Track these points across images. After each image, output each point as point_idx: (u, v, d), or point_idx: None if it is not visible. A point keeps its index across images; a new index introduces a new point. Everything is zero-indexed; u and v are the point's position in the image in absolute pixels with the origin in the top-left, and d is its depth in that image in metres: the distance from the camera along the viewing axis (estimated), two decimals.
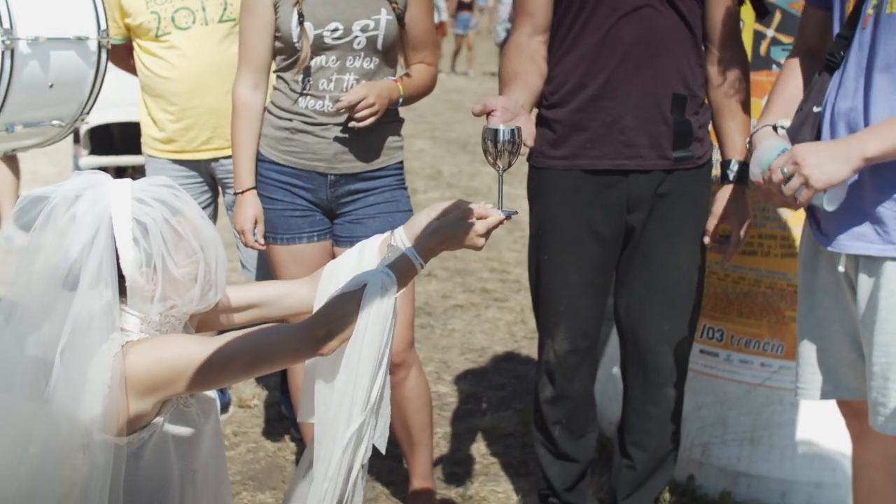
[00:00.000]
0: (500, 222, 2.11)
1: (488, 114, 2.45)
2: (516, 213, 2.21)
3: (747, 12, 3.18)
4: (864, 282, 2.29)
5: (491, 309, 5.51)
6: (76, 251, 1.87)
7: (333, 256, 3.11)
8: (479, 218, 2.08)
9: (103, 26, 3.41)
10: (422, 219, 2.17)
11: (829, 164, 2.17)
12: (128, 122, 5.03)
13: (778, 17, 3.17)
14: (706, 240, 2.84)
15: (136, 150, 5.11)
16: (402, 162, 3.15)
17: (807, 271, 2.50)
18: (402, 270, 2.02)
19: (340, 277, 2.12)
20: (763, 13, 2.98)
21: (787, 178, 2.22)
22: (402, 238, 2.17)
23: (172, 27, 3.55)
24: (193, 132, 3.62)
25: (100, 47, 3.39)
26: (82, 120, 3.34)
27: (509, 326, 5.24)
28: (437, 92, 3.26)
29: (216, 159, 3.66)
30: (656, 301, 2.87)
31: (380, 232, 2.90)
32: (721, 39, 2.83)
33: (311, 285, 2.22)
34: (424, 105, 2.74)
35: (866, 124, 2.25)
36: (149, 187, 1.97)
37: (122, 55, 3.70)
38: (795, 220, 3.23)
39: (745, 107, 2.87)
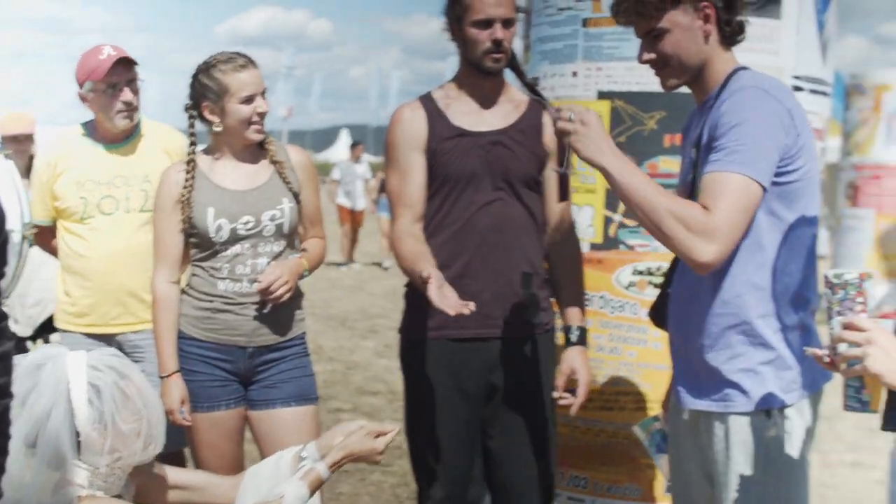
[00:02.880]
0: (397, 433, 2.70)
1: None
2: None
3: (598, 200, 3.72)
4: (703, 433, 2.76)
5: (375, 473, 5.82)
6: (38, 413, 2.22)
7: (247, 420, 3.49)
8: (379, 435, 2.57)
9: (27, 219, 3.81)
10: (330, 436, 2.68)
11: (592, 144, 2.60)
12: None
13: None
14: (555, 394, 3.32)
15: None
16: (305, 332, 3.61)
17: (672, 414, 2.95)
18: (312, 481, 2.54)
19: (260, 483, 2.61)
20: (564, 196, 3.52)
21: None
22: (313, 452, 2.66)
23: (97, 212, 3.94)
24: (105, 307, 3.96)
25: (23, 238, 3.79)
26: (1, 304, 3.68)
27: (393, 489, 5.56)
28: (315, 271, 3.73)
29: (124, 333, 4.01)
30: (521, 450, 3.32)
31: (291, 394, 3.36)
32: (556, 226, 3.41)
33: (234, 484, 2.66)
34: (304, 283, 3.11)
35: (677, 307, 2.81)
36: (101, 356, 2.35)
37: (48, 237, 4.07)
38: (645, 377, 3.70)
39: (580, 281, 3.43)
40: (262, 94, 3.47)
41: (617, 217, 3.73)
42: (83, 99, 3.98)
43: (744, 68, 2.75)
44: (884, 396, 2.25)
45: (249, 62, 3.46)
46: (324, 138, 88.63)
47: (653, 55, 2.75)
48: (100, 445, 2.30)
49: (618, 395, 3.74)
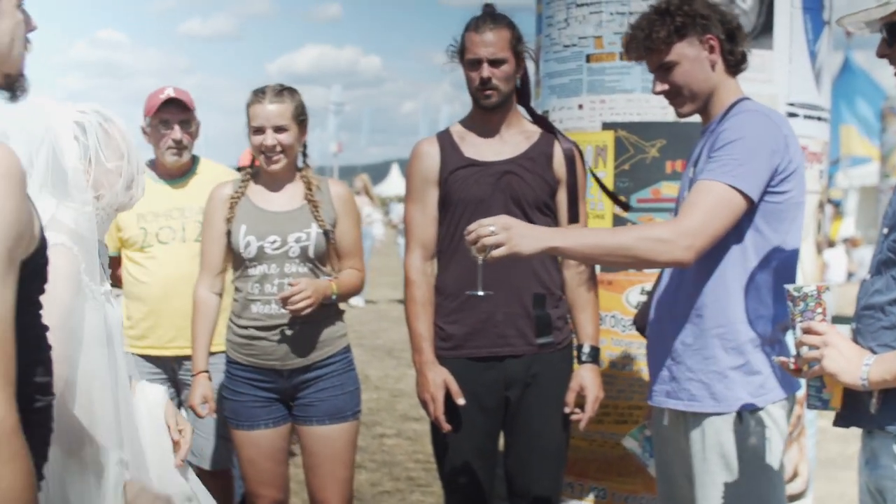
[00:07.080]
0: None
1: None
2: (491, 293, 2.98)
3: (606, 225, 3.94)
4: (682, 436, 2.96)
5: (415, 493, 6.04)
6: (28, 150, 2.24)
7: (293, 433, 3.83)
8: None
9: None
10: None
11: (527, 238, 2.71)
12: None
13: None
14: (566, 409, 3.53)
15: None
16: (347, 346, 3.84)
17: (655, 420, 3.15)
18: None
19: None
20: (625, 207, 3.76)
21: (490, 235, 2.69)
22: None
23: (155, 241, 4.25)
24: (161, 331, 4.23)
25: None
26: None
27: None
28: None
29: (177, 359, 4.25)
30: (536, 461, 3.54)
31: (326, 412, 3.69)
32: None
33: None
34: (352, 315, 3.33)
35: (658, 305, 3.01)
36: (86, 104, 2.56)
37: (114, 266, 4.36)
38: None
39: (593, 302, 3.61)
40: (277, 129, 3.67)
41: None
42: (143, 132, 4.34)
43: (747, 98, 2.98)
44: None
45: (275, 94, 3.69)
46: (375, 172, 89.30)
47: (665, 86, 3.00)
48: (84, 180, 2.41)
49: (631, 410, 3.94)
